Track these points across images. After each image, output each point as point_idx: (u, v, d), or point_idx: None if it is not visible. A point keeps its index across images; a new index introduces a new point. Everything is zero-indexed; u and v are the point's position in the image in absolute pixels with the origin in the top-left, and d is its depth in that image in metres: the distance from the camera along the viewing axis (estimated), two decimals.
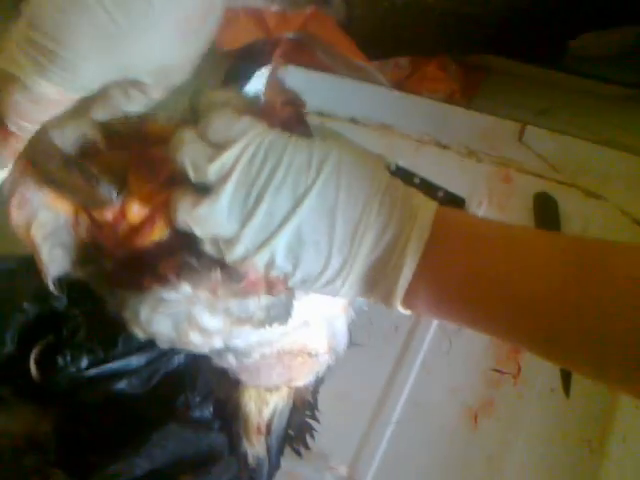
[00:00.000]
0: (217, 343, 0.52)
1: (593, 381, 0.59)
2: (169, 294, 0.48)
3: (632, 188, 0.74)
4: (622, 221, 0.74)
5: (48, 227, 0.48)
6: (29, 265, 0.49)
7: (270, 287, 0.47)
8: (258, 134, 0.42)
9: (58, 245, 0.48)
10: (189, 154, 0.42)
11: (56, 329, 0.56)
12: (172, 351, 0.58)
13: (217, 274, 0.47)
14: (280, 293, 0.51)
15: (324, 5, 0.90)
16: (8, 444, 0.51)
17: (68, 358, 0.54)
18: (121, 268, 0.49)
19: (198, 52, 0.45)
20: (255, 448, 0.60)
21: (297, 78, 0.87)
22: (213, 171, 0.41)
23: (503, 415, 0.63)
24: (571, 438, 0.61)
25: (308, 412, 0.63)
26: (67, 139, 0.45)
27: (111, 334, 0.55)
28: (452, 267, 0.42)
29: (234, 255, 0.43)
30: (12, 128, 0.42)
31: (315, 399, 0.64)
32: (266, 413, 0.61)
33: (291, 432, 0.62)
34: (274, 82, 0.49)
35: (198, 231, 0.43)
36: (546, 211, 0.75)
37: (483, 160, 0.81)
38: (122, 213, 0.47)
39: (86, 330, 0.55)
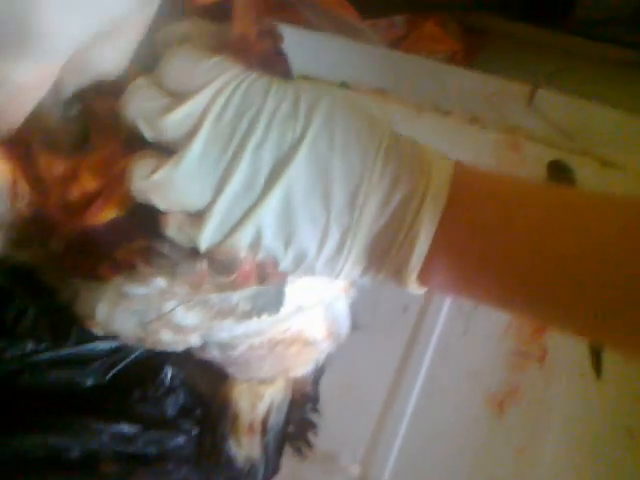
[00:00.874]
0: (194, 340, 0.45)
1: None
2: (135, 289, 0.39)
3: None
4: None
5: None
6: None
7: (263, 277, 0.39)
8: (231, 77, 0.34)
9: None
10: (140, 107, 0.34)
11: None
12: None
13: (203, 264, 0.38)
14: (274, 282, 0.43)
15: None
16: None
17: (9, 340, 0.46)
18: (72, 251, 0.40)
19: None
20: (246, 450, 0.52)
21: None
22: (172, 126, 0.33)
23: (531, 402, 0.56)
24: (608, 425, 0.55)
25: (309, 406, 0.56)
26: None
27: (64, 321, 0.47)
28: (478, 234, 0.35)
29: (206, 234, 0.34)
30: None
31: (316, 391, 0.57)
32: (261, 409, 0.54)
33: (291, 429, 0.55)
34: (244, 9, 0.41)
35: (159, 202, 0.34)
36: (562, 181, 0.69)
37: (488, 127, 0.75)
38: (74, 174, 0.38)
39: (34, 313, 0.47)
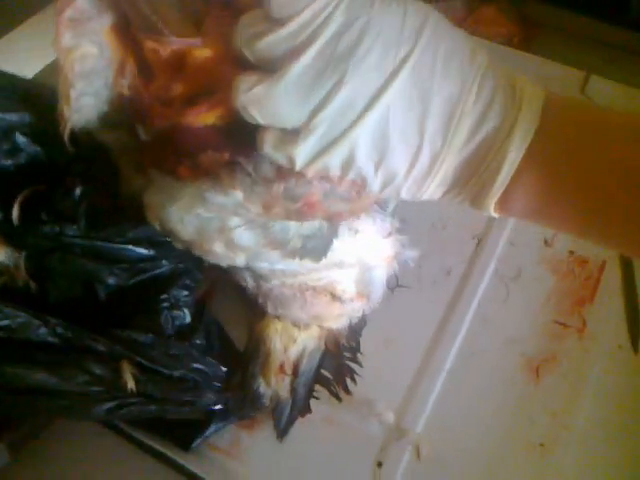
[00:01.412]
0: (239, 261, 0.46)
1: None
2: (214, 196, 0.41)
3: None
4: None
5: (88, 63, 0.40)
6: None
7: (328, 213, 0.41)
8: None
9: (91, 93, 0.41)
10: (244, 32, 0.35)
11: (50, 180, 0.48)
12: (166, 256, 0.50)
13: (279, 188, 0.40)
14: (339, 221, 0.44)
15: None
16: None
17: (52, 216, 0.47)
18: (158, 143, 0.41)
19: None
20: (275, 388, 0.54)
21: None
22: (274, 46, 0.34)
23: (567, 370, 0.57)
24: None
25: (348, 355, 0.57)
26: None
27: (109, 214, 0.48)
28: (566, 163, 0.35)
29: (303, 150, 0.35)
30: None
31: (357, 342, 0.58)
32: (293, 352, 0.55)
33: (328, 375, 0.56)
34: None
35: (258, 116, 0.35)
36: None
37: None
38: (181, 63, 0.39)
39: (82, 196, 0.47)
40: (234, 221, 0.41)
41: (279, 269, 0.49)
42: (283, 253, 0.45)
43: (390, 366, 0.57)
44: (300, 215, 0.41)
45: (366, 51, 0.33)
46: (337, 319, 0.56)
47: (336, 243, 0.47)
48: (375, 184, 0.36)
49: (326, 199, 0.40)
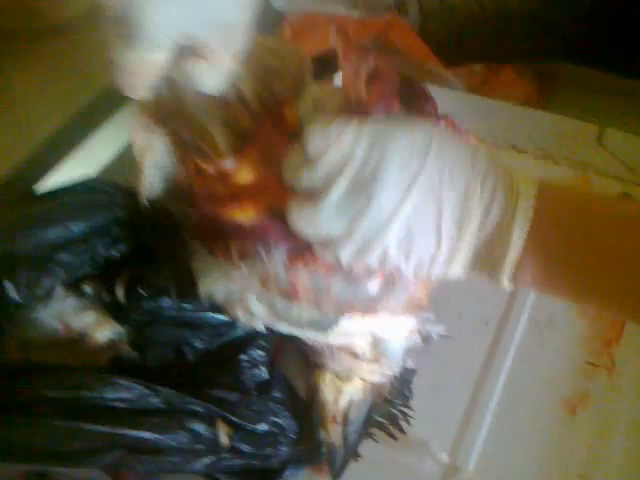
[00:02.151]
0: (259, 326, 0.54)
1: None
2: (233, 271, 0.49)
3: None
4: None
5: (159, 157, 0.50)
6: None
7: (315, 300, 0.49)
8: (352, 137, 0.42)
9: (161, 177, 0.51)
10: (290, 166, 0.44)
11: (143, 262, 0.57)
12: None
13: (272, 266, 0.48)
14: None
15: (400, 14, 0.92)
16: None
17: (150, 292, 0.55)
18: (202, 224, 0.50)
19: (252, 11, 0.46)
20: (330, 436, 0.60)
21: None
22: (311, 180, 0.43)
23: (600, 406, 0.63)
24: None
25: (399, 402, 0.64)
26: (217, 83, 0.47)
27: (192, 284, 0.55)
28: (559, 243, 0.43)
29: (345, 254, 0.44)
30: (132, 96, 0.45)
31: (409, 389, 0.65)
32: (342, 403, 0.60)
33: (381, 420, 0.63)
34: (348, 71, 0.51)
35: (308, 232, 0.44)
36: None
37: (561, 163, 0.82)
38: (226, 174, 0.48)
39: (171, 272, 0.56)
40: (249, 294, 0.49)
41: (295, 332, 0.56)
42: (290, 324, 0.53)
43: (440, 409, 0.64)
44: (290, 296, 0.49)
45: (385, 174, 0.41)
46: (371, 374, 0.61)
47: (343, 322, 0.53)
48: (408, 271, 0.44)
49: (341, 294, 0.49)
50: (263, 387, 0.57)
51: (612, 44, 0.86)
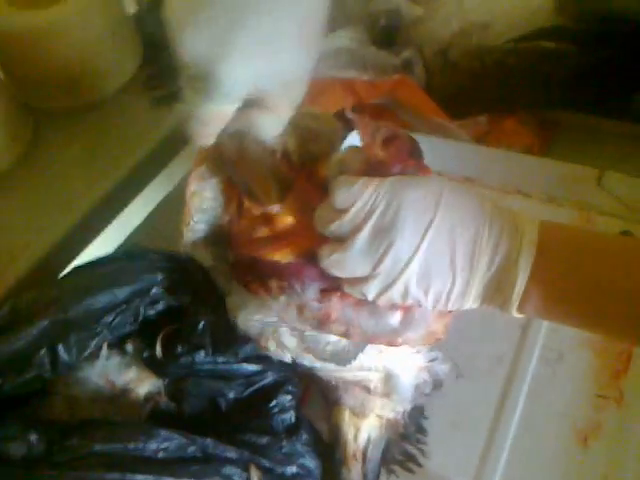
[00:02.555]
0: (287, 358, 0.58)
1: None
2: (271, 304, 0.54)
3: None
4: None
5: (205, 203, 0.56)
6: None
7: (344, 331, 0.53)
8: (373, 191, 0.47)
9: (204, 221, 0.57)
10: (321, 221, 0.49)
11: (180, 320, 0.61)
12: (270, 368, 0.62)
13: (306, 299, 0.52)
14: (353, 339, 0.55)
15: (407, 72, 0.97)
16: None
17: (186, 348, 0.58)
18: (238, 265, 0.55)
19: (311, 65, 0.51)
20: (352, 474, 0.62)
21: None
22: (339, 228, 0.48)
23: (611, 437, 0.65)
24: None
25: (415, 437, 0.66)
26: (276, 132, 0.52)
27: (224, 338, 0.59)
28: (560, 276, 0.47)
29: (370, 290, 0.48)
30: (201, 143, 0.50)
31: (419, 427, 0.67)
32: (361, 440, 0.63)
33: (399, 457, 0.65)
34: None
35: (337, 273, 0.49)
36: None
37: (564, 205, 0.84)
38: (270, 218, 0.53)
39: (205, 328, 0.59)
40: (283, 327, 0.54)
41: (317, 366, 0.60)
42: (315, 357, 0.57)
43: (459, 446, 0.66)
44: (319, 325, 0.53)
45: (403, 222, 0.46)
46: (383, 410, 0.63)
47: (361, 355, 0.58)
48: (428, 305, 0.49)
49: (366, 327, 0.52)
50: (292, 430, 0.60)
51: (606, 91, 0.89)
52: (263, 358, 0.61)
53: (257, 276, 0.54)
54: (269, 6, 0.43)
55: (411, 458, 0.64)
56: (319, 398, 0.67)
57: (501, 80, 0.90)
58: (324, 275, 0.50)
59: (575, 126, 0.94)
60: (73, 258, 0.67)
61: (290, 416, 0.61)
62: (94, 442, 0.47)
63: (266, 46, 0.45)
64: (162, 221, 0.58)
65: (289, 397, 0.61)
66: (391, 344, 0.54)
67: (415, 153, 0.56)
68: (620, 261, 0.46)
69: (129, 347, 0.57)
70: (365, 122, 0.56)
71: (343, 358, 0.57)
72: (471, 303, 0.49)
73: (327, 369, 0.60)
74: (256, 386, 0.61)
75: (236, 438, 0.56)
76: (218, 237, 0.57)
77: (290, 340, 0.56)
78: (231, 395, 0.59)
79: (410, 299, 0.49)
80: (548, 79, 0.88)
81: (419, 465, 0.64)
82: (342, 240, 0.48)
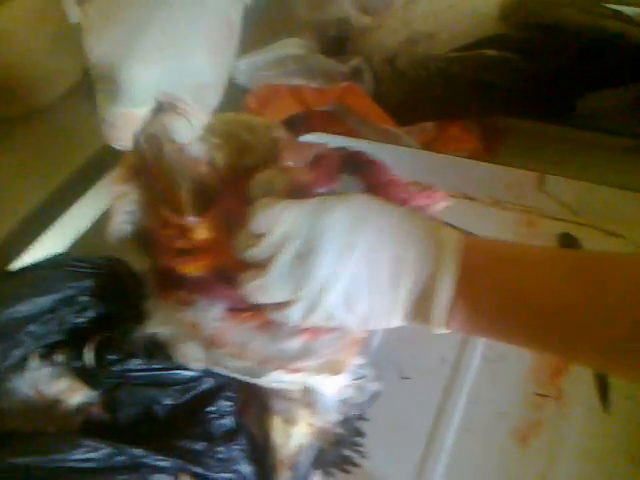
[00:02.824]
0: (197, 366, 0.56)
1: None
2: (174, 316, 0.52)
3: None
4: None
5: (131, 205, 0.55)
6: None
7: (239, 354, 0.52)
8: (292, 215, 0.45)
9: (129, 221, 0.56)
10: (241, 246, 0.48)
11: (111, 327, 0.59)
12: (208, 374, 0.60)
13: (205, 317, 0.51)
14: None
15: (356, 80, 0.97)
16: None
17: (118, 356, 0.57)
18: (155, 271, 0.54)
19: (224, 72, 0.50)
20: None
21: (333, 146, 0.93)
22: (258, 253, 0.46)
23: (550, 435, 0.64)
24: (615, 452, 0.62)
25: (348, 446, 0.64)
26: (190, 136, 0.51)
27: (158, 343, 0.57)
28: (482, 291, 0.46)
29: (293, 315, 0.47)
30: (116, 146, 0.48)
31: (356, 432, 0.65)
32: (291, 447, 0.61)
33: (335, 460, 0.63)
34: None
35: (259, 299, 0.47)
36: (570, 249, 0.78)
37: (508, 208, 0.85)
38: (186, 229, 0.51)
39: (137, 335, 0.57)
40: (186, 340, 0.53)
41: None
42: (224, 369, 0.55)
43: (400, 446, 0.65)
44: (213, 345, 0.51)
45: (323, 245, 0.45)
46: (314, 418, 0.61)
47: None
48: (354, 326, 0.48)
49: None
50: (230, 436, 0.58)
51: (549, 98, 0.90)
52: None
53: (169, 285, 0.52)
54: (175, 10, 0.42)
55: (347, 460, 0.63)
56: (259, 403, 0.66)
57: (446, 88, 0.91)
58: (231, 296, 0.49)
59: (519, 131, 0.94)
60: (6, 265, 0.65)
61: (229, 422, 0.59)
62: (15, 455, 0.45)
63: (172, 49, 0.44)
64: (102, 228, 0.56)
65: (228, 403, 0.60)
66: (286, 369, 0.52)
67: (358, 167, 0.54)
68: (539, 273, 0.45)
69: (59, 357, 0.55)
70: (292, 143, 0.55)
71: (254, 373, 0.54)
72: (398, 322, 0.48)
73: (245, 380, 0.57)
74: (194, 392, 0.59)
75: (172, 445, 0.54)
76: (141, 240, 0.56)
77: (195, 352, 0.54)
78: (167, 402, 0.57)
79: (335, 321, 0.47)
80: (491, 87, 0.89)
81: (355, 465, 0.63)
82: (263, 265, 0.46)
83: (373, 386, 0.61)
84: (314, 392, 0.56)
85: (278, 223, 0.45)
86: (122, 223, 0.55)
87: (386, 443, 0.65)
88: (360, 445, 0.64)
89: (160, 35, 0.43)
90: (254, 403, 0.62)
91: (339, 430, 0.61)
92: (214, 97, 0.50)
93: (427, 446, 0.65)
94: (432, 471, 0.63)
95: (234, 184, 0.54)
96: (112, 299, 0.58)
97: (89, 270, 0.58)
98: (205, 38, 0.45)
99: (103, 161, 0.56)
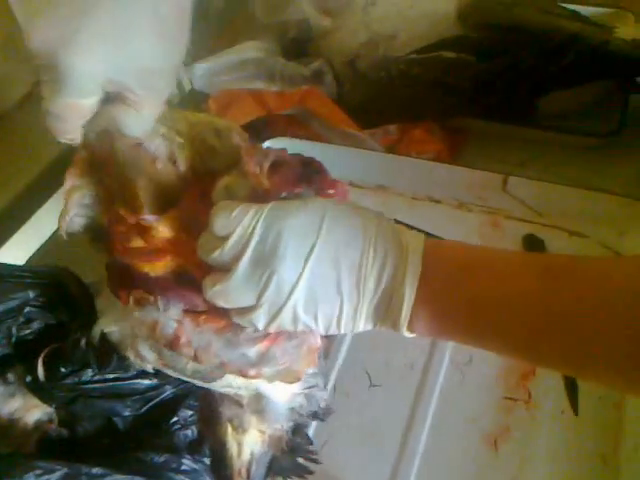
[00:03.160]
0: (148, 368, 0.54)
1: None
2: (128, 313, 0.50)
3: (609, 224, 0.78)
4: (604, 254, 0.77)
5: (87, 198, 0.52)
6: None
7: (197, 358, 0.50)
8: (249, 217, 0.44)
9: (84, 215, 0.52)
10: (203, 249, 0.46)
11: (61, 338, 0.56)
12: (168, 382, 0.57)
13: (163, 318, 0.49)
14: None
15: (317, 83, 0.95)
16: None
17: (70, 367, 0.54)
18: (111, 268, 0.51)
19: (176, 59, 0.47)
20: None
21: (295, 150, 0.90)
22: (220, 257, 0.44)
23: (520, 438, 0.63)
24: (585, 454, 0.62)
25: (302, 453, 0.62)
26: (142, 128, 0.48)
27: (111, 352, 0.54)
28: (444, 294, 0.45)
29: (258, 319, 0.45)
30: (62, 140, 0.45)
31: (307, 439, 0.63)
32: (244, 456, 0.58)
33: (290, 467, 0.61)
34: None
35: (222, 303, 0.45)
36: (534, 250, 0.78)
37: (473, 210, 0.84)
38: (144, 228, 0.49)
39: (88, 344, 0.54)
40: (140, 340, 0.50)
41: (183, 378, 0.54)
42: (175, 372, 0.53)
43: (371, 454, 0.64)
44: (171, 346, 0.49)
45: (284, 249, 0.43)
46: (264, 425, 0.58)
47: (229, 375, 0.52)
48: (318, 330, 0.46)
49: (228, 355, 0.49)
50: (194, 447, 0.56)
51: (510, 98, 0.89)
52: (160, 372, 0.56)
53: (125, 283, 0.49)
54: None
55: (301, 468, 0.61)
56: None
57: (407, 90, 0.90)
58: (192, 295, 0.47)
59: (482, 133, 0.94)
60: None
61: (192, 432, 0.56)
62: None
63: (117, 36, 0.41)
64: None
65: (190, 412, 0.57)
66: (242, 374, 0.50)
67: (311, 175, 0.52)
68: (501, 276, 0.44)
69: (10, 375, 0.51)
70: (252, 149, 0.53)
71: (207, 377, 0.52)
72: (363, 326, 0.46)
73: (196, 383, 0.55)
74: (154, 401, 0.56)
75: (135, 458, 0.51)
76: (98, 234, 0.53)
77: (149, 353, 0.51)
78: (127, 413, 0.55)
79: (301, 326, 0.46)
80: (452, 88, 0.88)
81: (310, 473, 0.60)
82: (224, 269, 0.45)
83: (323, 395, 0.59)
84: (264, 399, 0.54)
85: (239, 225, 0.44)
86: (75, 217, 0.52)
87: (357, 451, 0.64)
88: (314, 452, 0.62)
89: (105, 17, 0.39)
90: (207, 411, 0.59)
91: (291, 437, 0.59)
92: (165, 85, 0.46)
93: (399, 453, 0.64)
94: (405, 477, 0.62)
95: (197, 185, 0.52)
96: (59, 309, 0.55)
97: (33, 280, 0.54)
98: (154, 21, 0.42)
99: (63, 169, 0.52)
